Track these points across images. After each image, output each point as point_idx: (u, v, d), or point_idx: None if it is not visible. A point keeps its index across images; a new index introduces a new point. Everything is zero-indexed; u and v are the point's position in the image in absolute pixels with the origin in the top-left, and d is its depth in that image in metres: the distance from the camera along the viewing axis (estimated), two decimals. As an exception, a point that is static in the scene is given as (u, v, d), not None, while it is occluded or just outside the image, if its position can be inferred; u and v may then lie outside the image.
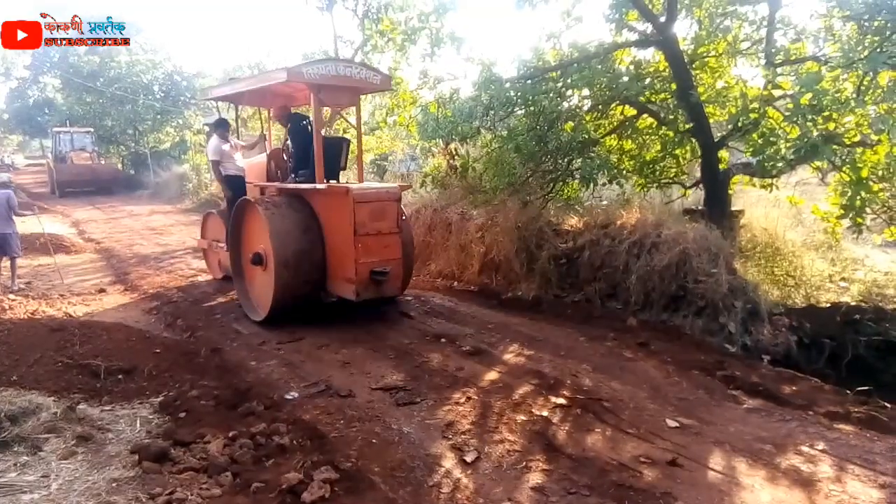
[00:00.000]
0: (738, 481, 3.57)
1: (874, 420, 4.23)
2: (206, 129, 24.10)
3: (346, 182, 7.67)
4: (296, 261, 6.54)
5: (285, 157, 7.91)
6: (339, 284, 6.67)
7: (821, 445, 3.95)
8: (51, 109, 35.39)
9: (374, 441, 4.11)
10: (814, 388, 4.88)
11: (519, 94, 8.01)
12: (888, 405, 4.48)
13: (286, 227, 6.60)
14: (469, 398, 4.75)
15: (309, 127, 7.22)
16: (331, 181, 7.19)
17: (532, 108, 8.18)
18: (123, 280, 9.94)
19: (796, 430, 4.19)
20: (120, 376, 5.19)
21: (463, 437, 4.14)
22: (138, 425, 4.31)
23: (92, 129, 29.20)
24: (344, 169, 7.87)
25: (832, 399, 4.65)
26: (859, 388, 4.84)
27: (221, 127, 8.36)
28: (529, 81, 8.07)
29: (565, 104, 8.32)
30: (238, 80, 7.61)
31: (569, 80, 7.89)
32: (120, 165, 31.22)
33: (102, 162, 29.07)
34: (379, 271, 6.35)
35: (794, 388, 4.91)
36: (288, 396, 4.89)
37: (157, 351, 5.99)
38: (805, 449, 3.92)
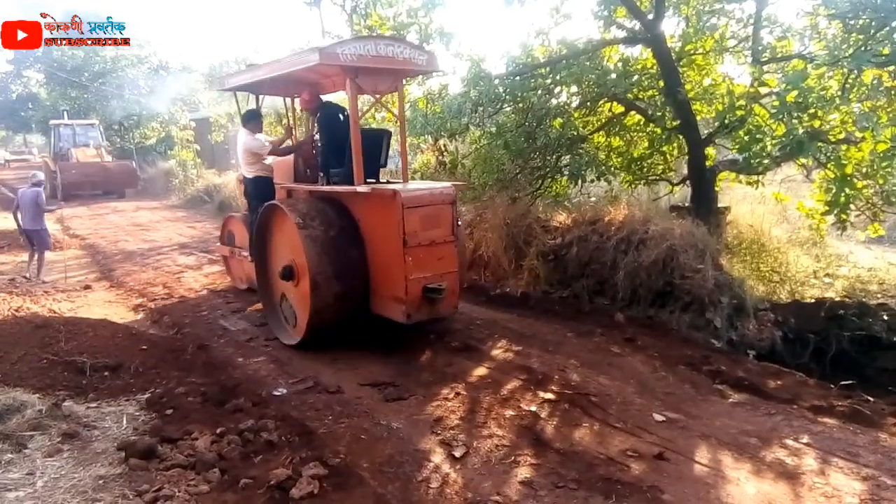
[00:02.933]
0: (724, 474, 3.60)
1: (857, 414, 4.28)
2: (192, 124, 23.98)
3: (388, 181, 6.63)
4: (335, 276, 5.58)
5: (313, 147, 7.03)
6: (384, 303, 5.69)
7: (805, 439, 4.00)
8: (34, 104, 34.99)
9: (362, 437, 4.12)
10: (798, 383, 4.93)
11: (508, 90, 8.02)
12: (871, 399, 4.53)
13: (322, 236, 5.64)
14: (458, 394, 4.77)
15: (342, 117, 6.37)
16: (369, 181, 6.12)
17: (521, 105, 8.21)
18: (109, 277, 9.87)
19: (781, 424, 4.24)
20: (106, 373, 5.16)
21: (451, 432, 4.16)
22: (125, 422, 4.27)
23: (97, 121, 25.88)
24: (384, 166, 6.82)
25: (816, 393, 4.70)
26: (843, 383, 4.89)
27: (253, 120, 7.20)
28: (518, 78, 8.09)
29: (554, 101, 8.35)
30: (259, 67, 6.65)
31: (557, 77, 7.92)
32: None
33: (111, 159, 24.94)
34: (433, 288, 5.40)
35: (778, 382, 4.95)
36: (276, 393, 4.89)
37: (144, 348, 5.94)
38: (790, 442, 3.96)
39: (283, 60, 6.03)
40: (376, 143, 6.40)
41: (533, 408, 4.51)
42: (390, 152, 6.96)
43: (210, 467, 3.67)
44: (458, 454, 3.86)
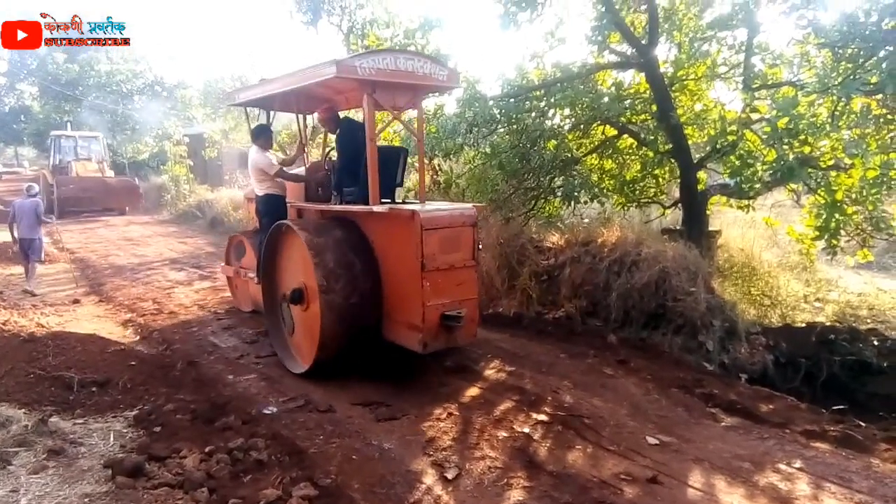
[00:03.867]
0: (718, 499, 3.59)
1: (849, 439, 4.28)
2: (186, 140, 23.96)
3: (404, 201, 6.38)
4: (346, 300, 5.26)
5: (328, 171, 6.60)
6: (398, 331, 5.37)
7: (798, 463, 4.00)
8: (27, 117, 34.92)
9: (353, 457, 4.08)
10: (790, 407, 4.94)
11: (503, 111, 8.09)
12: (863, 424, 4.55)
13: (334, 258, 5.33)
14: (450, 414, 4.73)
15: (360, 134, 6.07)
16: (384, 201, 5.80)
17: (515, 126, 8.28)
18: (98, 291, 9.78)
19: (774, 448, 4.24)
20: (93, 389, 5.10)
21: (444, 453, 4.12)
22: (112, 439, 4.22)
23: (100, 134, 24.56)
24: (400, 186, 6.52)
25: (808, 418, 4.71)
26: (834, 407, 4.92)
27: (263, 136, 6.81)
28: (513, 100, 8.17)
29: (548, 123, 8.43)
30: (271, 81, 6.32)
31: (552, 100, 8.00)
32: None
33: (113, 174, 23.77)
34: (452, 315, 5.05)
35: (771, 406, 4.96)
36: (266, 411, 4.83)
37: (132, 363, 5.88)
38: (782, 467, 3.96)
39: (297, 74, 5.72)
40: (392, 161, 6.13)
41: (526, 429, 4.48)
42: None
43: (198, 486, 3.62)
44: (450, 476, 3.82)
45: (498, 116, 8.15)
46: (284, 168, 6.92)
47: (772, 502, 3.55)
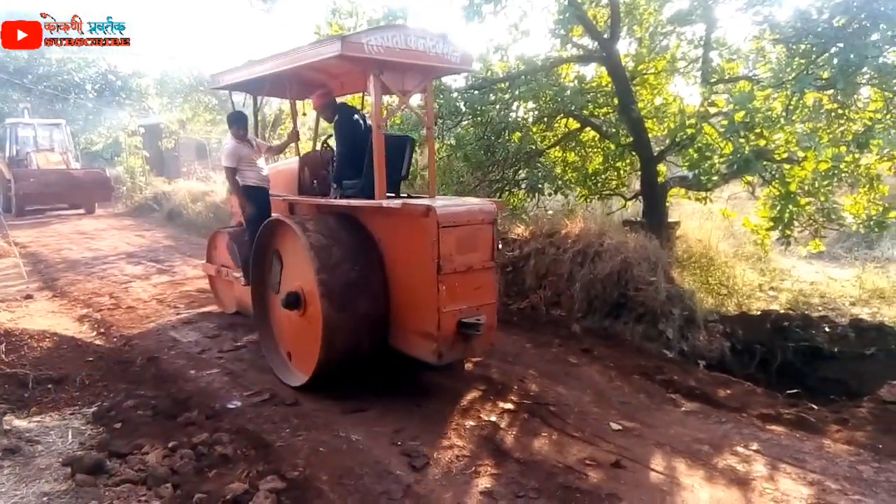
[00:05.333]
0: (679, 481, 3.69)
1: (803, 421, 4.45)
2: (142, 130, 23.31)
3: (409, 196, 5.87)
4: (351, 307, 4.73)
5: (330, 162, 6.00)
6: (409, 339, 4.83)
7: (755, 446, 4.14)
8: (-28, 106, 33.48)
9: (321, 449, 4.05)
10: (747, 392, 5.10)
11: (467, 104, 8.11)
12: (815, 407, 4.73)
13: (337, 258, 4.77)
14: (418, 405, 4.74)
15: (362, 122, 5.63)
16: (389, 195, 5.25)
17: (480, 119, 8.31)
18: (52, 286, 9.45)
19: (731, 432, 4.37)
20: (49, 386, 4.92)
21: (412, 443, 4.12)
22: (70, 437, 4.10)
23: (63, 121, 22.15)
24: (405, 178, 5.96)
25: (764, 402, 4.87)
26: (789, 392, 5.10)
27: (237, 123, 6.23)
28: (477, 92, 8.19)
29: (512, 115, 8.48)
30: (260, 62, 5.71)
31: (516, 92, 8.05)
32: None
33: (79, 166, 21.30)
34: (470, 322, 4.55)
35: (728, 391, 5.11)
36: (230, 405, 4.76)
37: (90, 360, 5.71)
38: (740, 449, 4.09)
39: (292, 53, 5.15)
40: (398, 151, 5.56)
41: (493, 418, 4.53)
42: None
43: (162, 482, 3.54)
44: (418, 465, 3.83)
45: (463, 108, 8.17)
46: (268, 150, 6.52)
47: (730, 483, 3.67)
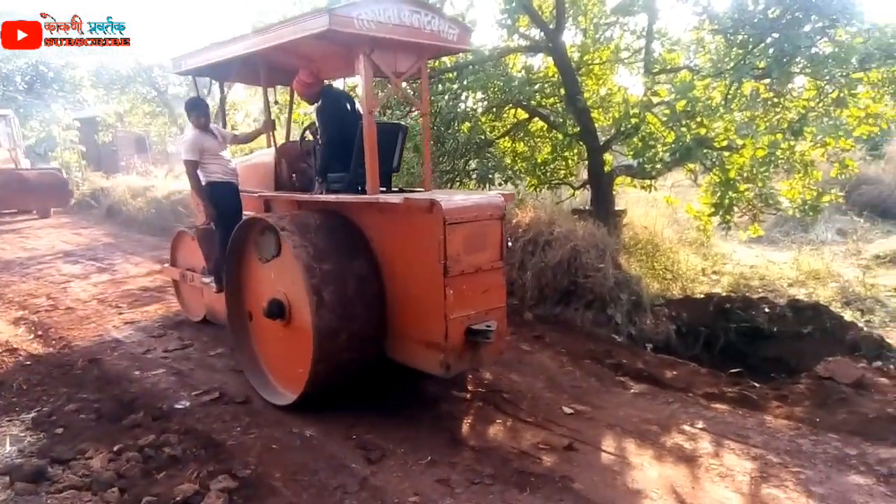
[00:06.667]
0: (629, 461, 3.78)
1: (745, 399, 4.63)
2: (77, 124, 22.33)
3: (401, 189, 5.42)
4: (345, 315, 4.23)
5: (312, 153, 5.39)
6: (411, 350, 4.36)
7: (700, 424, 4.27)
8: None
9: (273, 446, 3.99)
10: (692, 372, 5.26)
11: (416, 93, 8.04)
12: (756, 385, 4.93)
13: (327, 262, 4.26)
14: (372, 398, 4.71)
15: (349, 106, 5.12)
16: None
17: (429, 109, 8.25)
18: (-18, 288, 8.99)
19: (678, 411, 4.51)
20: (-17, 392, 4.71)
21: (367, 436, 4.10)
22: (8, 444, 3.94)
23: (9, 111, 18.65)
24: (396, 171, 5.44)
25: (708, 381, 5.04)
26: (731, 371, 5.30)
27: (196, 110, 5.55)
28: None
29: (461, 106, 8.47)
30: (228, 43, 5.07)
31: (465, 83, 8.04)
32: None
33: (29, 163, 18.44)
34: (479, 329, 4.09)
35: (674, 372, 5.27)
36: (178, 406, 4.63)
37: (27, 364, 5.50)
38: (687, 428, 4.22)
39: (267, 31, 4.59)
40: (389, 140, 5.06)
41: (448, 407, 4.55)
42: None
43: (108, 487, 3.43)
44: (374, 458, 3.81)
45: (412, 98, 8.10)
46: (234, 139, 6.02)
47: (678, 461, 3.78)
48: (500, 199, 4.39)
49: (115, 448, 3.87)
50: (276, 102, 6.95)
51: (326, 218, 4.64)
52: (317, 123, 5.15)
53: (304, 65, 5.28)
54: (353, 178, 4.73)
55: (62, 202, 17.77)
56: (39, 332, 6.71)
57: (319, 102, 5.10)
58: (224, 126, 6.35)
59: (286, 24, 4.47)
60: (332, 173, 4.93)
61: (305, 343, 4.24)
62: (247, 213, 5.46)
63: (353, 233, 4.60)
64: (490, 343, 4.15)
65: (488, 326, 4.11)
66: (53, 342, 6.39)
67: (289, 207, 5.23)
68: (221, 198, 5.57)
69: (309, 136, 5.53)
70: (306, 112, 8.77)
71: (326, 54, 5.12)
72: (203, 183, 5.58)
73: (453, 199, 4.19)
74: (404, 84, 5.56)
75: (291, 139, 6.27)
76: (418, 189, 5.52)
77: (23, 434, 4.13)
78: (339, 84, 6.34)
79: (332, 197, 4.78)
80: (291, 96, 6.43)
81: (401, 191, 5.35)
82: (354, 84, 7.32)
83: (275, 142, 5.92)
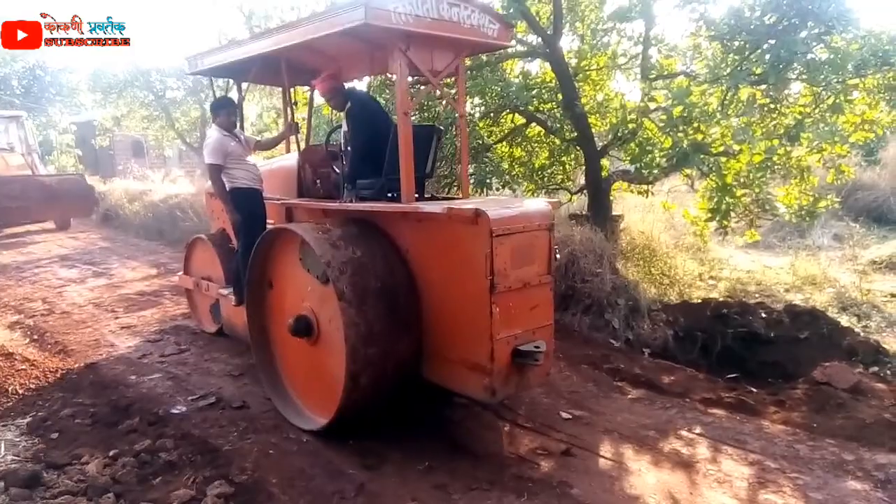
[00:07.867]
0: (627, 466, 3.78)
1: (743, 404, 4.64)
2: (74, 128, 22.30)
3: (433, 196, 5.04)
4: (381, 334, 3.88)
5: (342, 159, 4.97)
6: (451, 372, 4.00)
7: (698, 429, 4.28)
8: None
9: (270, 451, 3.98)
10: (689, 377, 5.27)
11: (414, 99, 8.05)
12: (754, 390, 4.94)
13: (361, 276, 3.93)
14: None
15: (378, 109, 4.89)
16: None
17: (427, 114, 8.28)
18: (-23, 292, 8.96)
19: (676, 417, 4.51)
20: (-23, 397, 4.68)
21: (365, 442, 4.08)
22: (3, 449, 3.91)
23: (23, 113, 16.88)
24: (430, 177, 5.07)
25: (706, 386, 5.04)
26: (729, 376, 5.31)
27: (223, 109, 5.21)
28: (423, 87, 8.15)
29: (459, 110, 8.46)
30: (249, 41, 4.84)
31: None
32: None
33: (48, 170, 16.82)
34: (527, 351, 3.73)
35: (672, 377, 5.27)
36: (174, 411, 4.62)
37: (22, 368, 5.46)
38: (684, 433, 4.22)
39: (294, 28, 4.31)
40: (423, 144, 4.66)
41: (446, 413, 4.54)
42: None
43: (103, 492, 3.42)
44: (371, 463, 3.80)
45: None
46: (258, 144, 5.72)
47: (675, 466, 3.78)
48: (548, 208, 4.07)
49: (111, 453, 3.86)
50: (296, 104, 6.62)
51: (356, 227, 4.32)
52: (345, 127, 4.88)
53: (327, 64, 5.03)
54: (385, 185, 4.45)
55: (86, 211, 15.92)
56: (35, 337, 6.69)
57: (349, 105, 4.83)
58: (242, 129, 6.02)
59: (315, 18, 4.24)
60: (361, 179, 4.62)
61: (333, 364, 4.00)
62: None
63: (386, 244, 4.24)
64: (538, 365, 3.82)
65: (537, 347, 3.77)
66: (49, 347, 6.36)
67: (313, 216, 4.93)
68: (247, 205, 5.23)
69: (335, 140, 5.25)
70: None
71: (350, 52, 4.79)
72: (231, 188, 5.24)
73: (499, 208, 3.83)
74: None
75: (313, 143, 6.01)
76: (453, 196, 5.16)
77: (18, 439, 4.11)
78: (351, 85, 6.07)
79: (363, 206, 4.42)
80: (311, 97, 6.23)
81: (432, 197, 5.04)
82: (371, 84, 7.18)
83: (297, 146, 5.70)
